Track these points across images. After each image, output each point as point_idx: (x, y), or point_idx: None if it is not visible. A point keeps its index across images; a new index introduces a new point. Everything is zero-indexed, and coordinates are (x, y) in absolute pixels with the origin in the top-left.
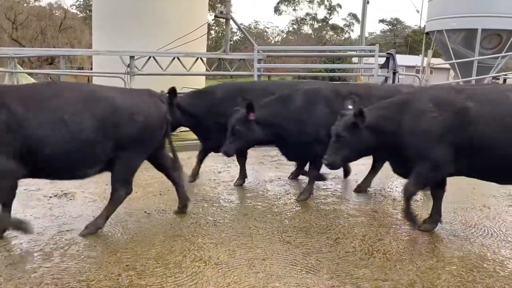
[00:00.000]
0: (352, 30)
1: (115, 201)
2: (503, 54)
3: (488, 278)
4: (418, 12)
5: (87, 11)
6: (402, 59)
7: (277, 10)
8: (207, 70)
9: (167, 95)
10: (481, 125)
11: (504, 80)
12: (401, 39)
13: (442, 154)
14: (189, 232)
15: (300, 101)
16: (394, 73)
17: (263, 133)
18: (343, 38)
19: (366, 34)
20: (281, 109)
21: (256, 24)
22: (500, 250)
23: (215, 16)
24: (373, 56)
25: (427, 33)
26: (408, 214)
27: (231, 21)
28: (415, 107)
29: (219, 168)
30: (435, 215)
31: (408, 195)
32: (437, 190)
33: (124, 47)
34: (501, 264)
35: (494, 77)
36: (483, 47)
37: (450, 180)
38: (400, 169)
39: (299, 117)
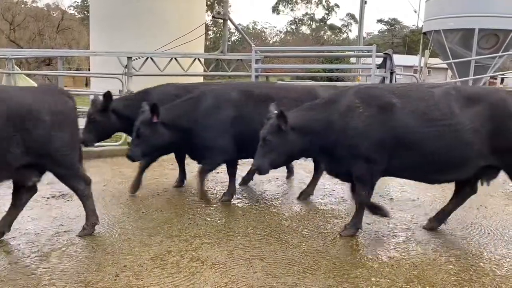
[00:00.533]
0: (350, 30)
1: (84, 197)
2: (500, 54)
3: (484, 277)
4: (415, 12)
5: (85, 12)
6: (400, 59)
7: (275, 10)
8: (205, 70)
9: (103, 98)
10: (405, 121)
11: (502, 80)
12: (399, 39)
13: (373, 150)
14: (186, 233)
15: (207, 103)
16: (392, 73)
17: (170, 136)
18: (341, 38)
19: (364, 34)
20: (187, 112)
21: (254, 25)
22: (497, 249)
23: (213, 17)
24: (370, 56)
25: (425, 33)
26: (376, 210)
27: (228, 22)
28: (342, 104)
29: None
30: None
31: (363, 203)
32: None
33: (122, 48)
34: (498, 263)
35: (491, 77)
36: (480, 47)
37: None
38: (334, 170)
39: (206, 121)
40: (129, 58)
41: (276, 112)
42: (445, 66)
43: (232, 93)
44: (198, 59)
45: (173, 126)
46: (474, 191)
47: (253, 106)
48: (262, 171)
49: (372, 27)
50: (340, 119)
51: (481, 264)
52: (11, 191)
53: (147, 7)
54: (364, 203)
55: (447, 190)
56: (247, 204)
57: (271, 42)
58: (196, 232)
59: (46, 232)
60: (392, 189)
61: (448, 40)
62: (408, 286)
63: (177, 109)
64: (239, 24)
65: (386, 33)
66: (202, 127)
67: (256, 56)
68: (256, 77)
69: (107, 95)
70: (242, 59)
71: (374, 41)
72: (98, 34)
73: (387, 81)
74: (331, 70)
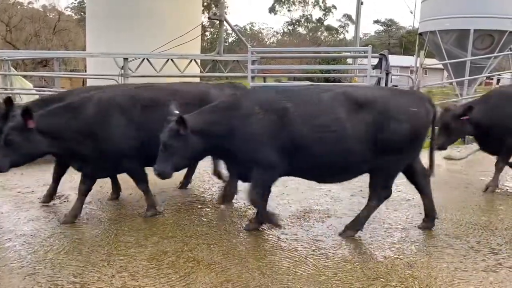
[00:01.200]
0: (347, 31)
1: None
2: (495, 54)
3: (480, 274)
4: (411, 13)
5: (82, 13)
6: (397, 60)
7: (272, 10)
8: (201, 71)
9: (3, 105)
10: (298, 125)
11: (498, 80)
12: (395, 39)
13: (271, 154)
14: (182, 233)
15: (90, 110)
16: (387, 74)
17: (47, 145)
18: (338, 39)
19: (361, 35)
20: (66, 119)
21: (251, 26)
22: (492, 248)
23: (209, 18)
24: (366, 57)
25: (420, 34)
26: (268, 218)
27: (225, 23)
28: (243, 109)
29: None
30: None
31: (254, 202)
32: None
33: (118, 49)
34: (493, 262)
35: (488, 77)
36: (476, 47)
37: (441, 179)
38: (238, 173)
39: (89, 129)
40: (125, 59)
41: (175, 114)
42: (441, 66)
43: (116, 99)
44: (195, 60)
45: (50, 135)
46: (426, 174)
47: (140, 110)
48: (165, 176)
49: (369, 28)
50: (240, 123)
51: (476, 263)
52: None
53: (144, 8)
54: (256, 203)
55: (440, 189)
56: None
57: (268, 43)
58: (192, 233)
59: (42, 233)
60: None
61: (444, 41)
62: (403, 286)
63: (56, 116)
64: (236, 25)
65: (382, 33)
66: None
67: (252, 57)
68: (252, 78)
69: (7, 101)
70: (238, 60)
71: (371, 41)
72: (95, 35)
73: (383, 82)
74: (328, 71)
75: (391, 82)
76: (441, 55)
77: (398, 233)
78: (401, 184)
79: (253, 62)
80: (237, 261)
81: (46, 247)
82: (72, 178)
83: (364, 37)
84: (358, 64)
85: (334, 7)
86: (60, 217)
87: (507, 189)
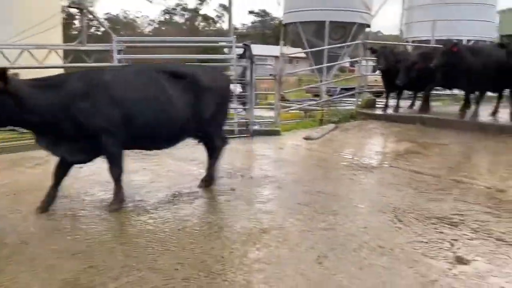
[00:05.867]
0: (223, 21)
1: None
2: (347, 43)
3: (319, 233)
4: (279, 4)
5: None
6: (271, 50)
7: None
8: (65, 63)
9: None
10: (124, 100)
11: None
12: (270, 30)
13: (109, 126)
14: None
15: None
16: (252, 63)
17: None
18: (215, 28)
19: (239, 25)
20: None
21: (125, 14)
22: (333, 210)
23: (68, 6)
24: (231, 47)
25: (285, 25)
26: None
27: (93, 12)
28: (71, 87)
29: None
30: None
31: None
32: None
33: None
34: (332, 221)
35: (351, 64)
36: (331, 38)
37: (300, 157)
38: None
39: None
40: None
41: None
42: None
43: None
44: (55, 50)
45: None
46: (219, 144)
47: None
48: None
49: (247, 19)
50: (70, 101)
51: (318, 223)
52: None
53: None
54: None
55: (298, 165)
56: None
57: (145, 32)
58: (54, 226)
59: None
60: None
61: (305, 32)
62: (259, 245)
63: None
64: (108, 13)
65: (259, 24)
66: None
67: (118, 46)
68: None
69: None
70: (104, 49)
71: (248, 32)
72: None
73: (248, 71)
74: (205, 61)
75: (255, 71)
76: (303, 44)
77: (257, 206)
78: (266, 164)
79: (119, 52)
80: (103, 248)
81: None
82: None
83: (243, 27)
84: (224, 54)
85: None
86: None
87: (361, 163)
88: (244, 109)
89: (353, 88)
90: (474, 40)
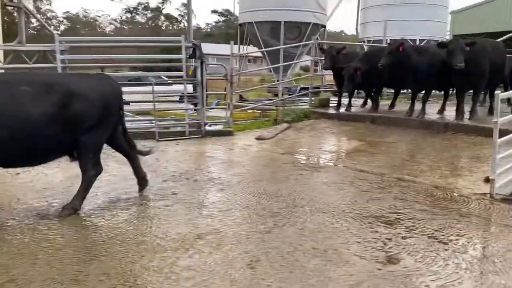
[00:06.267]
0: (187, 20)
1: None
2: (300, 43)
3: (257, 236)
4: (238, 3)
5: None
6: (235, 49)
7: None
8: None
9: None
10: None
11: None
12: (234, 29)
13: None
14: None
15: None
16: (202, 63)
17: None
18: (178, 28)
19: (204, 25)
20: None
21: (86, 13)
22: (273, 212)
23: (5, 5)
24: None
25: (240, 25)
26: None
27: (32, 11)
28: None
29: None
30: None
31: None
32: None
33: None
34: (271, 224)
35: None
36: (287, 37)
37: (250, 156)
38: None
39: None
40: None
41: None
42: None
43: None
44: None
45: None
46: (130, 147)
47: None
48: None
49: (211, 18)
50: None
51: (257, 225)
52: None
53: None
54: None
55: (245, 165)
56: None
57: (107, 31)
58: None
59: None
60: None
61: (260, 31)
62: (204, 253)
63: None
64: (67, 12)
65: (223, 23)
66: None
67: (61, 46)
68: (64, 68)
69: None
70: (46, 50)
71: (212, 31)
72: None
73: (198, 71)
74: (154, 61)
75: (206, 70)
76: (258, 44)
77: (197, 210)
78: (213, 166)
79: (62, 52)
80: (26, 260)
81: None
82: None
83: (207, 27)
84: (174, 54)
85: None
86: None
87: (309, 162)
88: (195, 110)
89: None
90: (427, 39)
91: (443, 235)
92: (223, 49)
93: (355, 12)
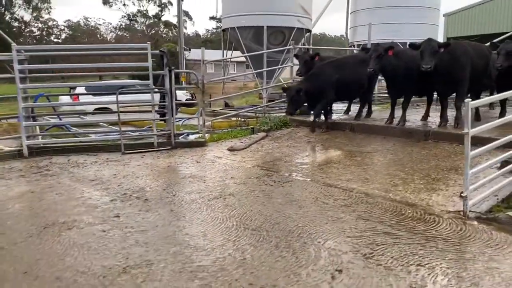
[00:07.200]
0: (186, 27)
1: None
2: (287, 47)
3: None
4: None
5: None
6: (214, 55)
7: (106, 2)
8: None
9: None
10: None
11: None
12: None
13: None
14: None
15: None
16: (170, 70)
17: None
18: (177, 35)
19: (204, 31)
20: None
21: (86, 21)
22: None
23: None
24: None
25: (224, 30)
26: None
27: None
28: None
29: None
30: None
31: None
32: None
33: None
34: (235, 223)
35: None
36: (271, 42)
37: (221, 167)
38: None
39: None
40: None
41: None
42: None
43: None
44: None
45: None
46: None
47: None
48: None
49: (210, 24)
50: None
51: (220, 225)
52: None
53: None
54: None
55: (206, 183)
56: None
57: (108, 39)
58: None
59: None
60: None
61: (243, 37)
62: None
63: None
64: (68, 20)
65: (219, 30)
66: None
67: (20, 56)
68: (23, 79)
69: None
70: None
71: (210, 38)
72: None
73: (167, 79)
74: (121, 69)
75: (174, 78)
76: (241, 49)
77: (135, 236)
78: (170, 182)
79: (22, 62)
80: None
81: None
82: None
83: (207, 33)
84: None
85: (170, 3)
86: None
87: (277, 175)
88: (164, 121)
89: None
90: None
91: (402, 265)
92: (220, 55)
93: (343, 17)
